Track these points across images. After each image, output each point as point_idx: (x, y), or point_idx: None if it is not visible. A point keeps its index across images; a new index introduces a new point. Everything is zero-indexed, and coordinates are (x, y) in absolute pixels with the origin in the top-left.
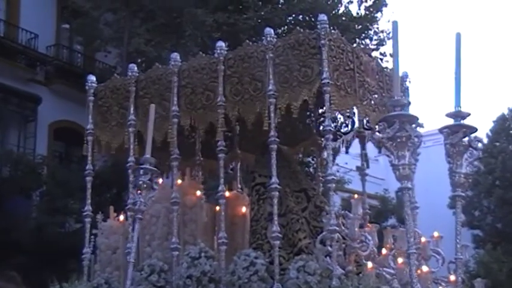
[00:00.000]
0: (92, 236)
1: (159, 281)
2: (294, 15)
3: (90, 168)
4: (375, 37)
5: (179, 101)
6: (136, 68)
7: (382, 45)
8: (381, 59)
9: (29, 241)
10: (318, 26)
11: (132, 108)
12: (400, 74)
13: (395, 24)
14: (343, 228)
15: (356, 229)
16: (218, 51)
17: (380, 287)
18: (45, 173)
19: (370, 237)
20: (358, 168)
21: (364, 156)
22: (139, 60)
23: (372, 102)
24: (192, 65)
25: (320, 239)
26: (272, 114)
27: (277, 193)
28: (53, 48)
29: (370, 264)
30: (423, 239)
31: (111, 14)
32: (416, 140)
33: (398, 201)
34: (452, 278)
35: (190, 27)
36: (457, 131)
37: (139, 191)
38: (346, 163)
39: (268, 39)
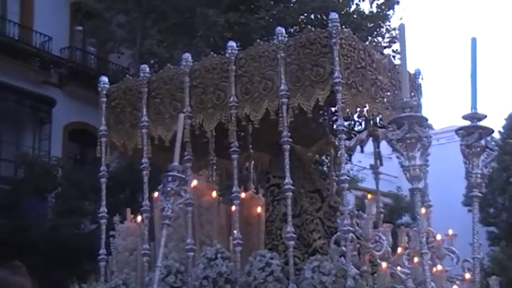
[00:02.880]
0: (111, 238)
1: (175, 282)
2: (305, 14)
3: (104, 169)
4: (387, 35)
5: (190, 101)
6: (148, 68)
7: (394, 42)
8: (394, 57)
9: (44, 242)
10: (329, 25)
11: (144, 109)
12: (413, 71)
13: (402, 27)
14: (357, 228)
15: (370, 229)
16: (229, 51)
17: (395, 286)
18: (60, 175)
19: (384, 237)
20: (371, 166)
21: (377, 155)
22: (152, 61)
23: (385, 100)
24: (204, 65)
25: (334, 239)
26: (284, 114)
27: (291, 193)
28: (66, 50)
29: (384, 264)
30: (438, 237)
31: (124, 16)
32: (426, 141)
33: (411, 199)
34: (467, 276)
35: (202, 27)
36: (472, 132)
37: (167, 197)
38: (360, 161)
39: (280, 38)
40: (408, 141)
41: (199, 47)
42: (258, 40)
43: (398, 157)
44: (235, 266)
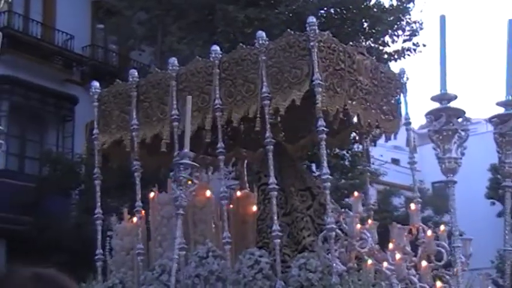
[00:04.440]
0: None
1: (169, 281)
2: (326, 9)
3: (98, 171)
4: (408, 28)
5: (177, 104)
6: (137, 73)
7: (415, 35)
8: (414, 50)
9: (69, 239)
10: (307, 28)
11: (134, 113)
12: (397, 71)
13: (442, 18)
14: (345, 225)
15: (358, 226)
16: (213, 55)
17: (379, 282)
18: (84, 172)
19: (369, 234)
20: (393, 160)
21: (365, 152)
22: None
23: (365, 100)
24: (189, 68)
25: (322, 236)
26: (266, 116)
27: (275, 193)
28: (88, 48)
29: (369, 261)
30: (429, 233)
31: (144, 13)
32: (463, 133)
33: (434, 193)
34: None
35: (222, 23)
36: (507, 120)
37: (179, 186)
38: (382, 155)
39: (260, 42)
40: (445, 133)
41: (219, 43)
42: (241, 44)
43: (434, 149)
44: (226, 263)
